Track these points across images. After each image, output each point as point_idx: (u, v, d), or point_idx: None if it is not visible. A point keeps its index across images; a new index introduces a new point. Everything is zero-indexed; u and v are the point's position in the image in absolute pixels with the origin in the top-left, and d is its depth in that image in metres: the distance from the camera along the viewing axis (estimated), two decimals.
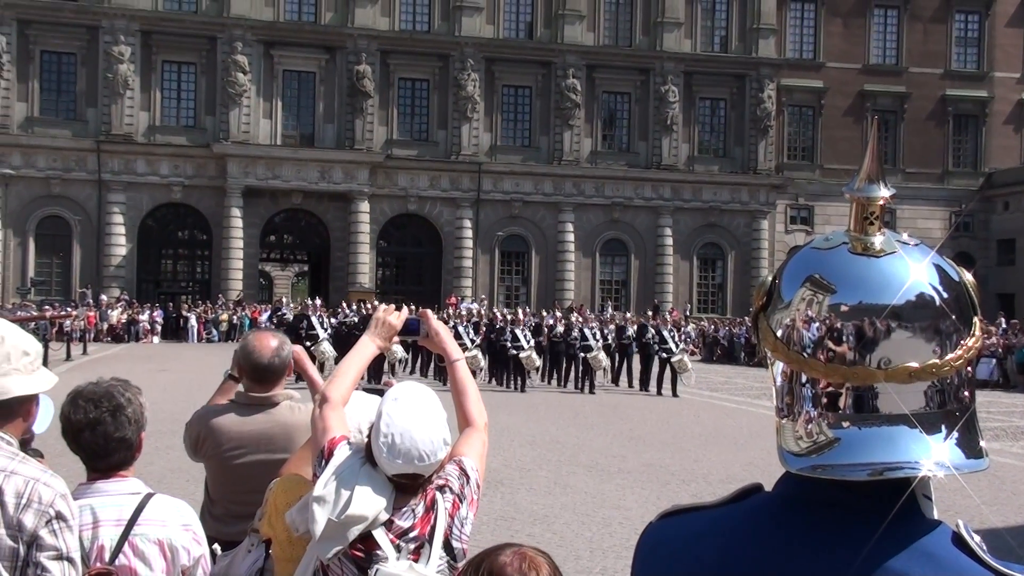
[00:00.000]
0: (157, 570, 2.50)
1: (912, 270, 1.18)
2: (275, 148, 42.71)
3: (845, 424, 1.17)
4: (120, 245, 41.52)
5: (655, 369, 23.14)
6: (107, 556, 2.46)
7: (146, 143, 41.79)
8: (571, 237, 45.36)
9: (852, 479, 1.14)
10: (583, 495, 10.18)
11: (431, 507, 2.46)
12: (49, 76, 41.70)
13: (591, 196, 45.59)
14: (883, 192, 1.24)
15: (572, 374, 23.96)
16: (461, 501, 2.52)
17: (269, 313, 39.23)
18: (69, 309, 34.28)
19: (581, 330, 23.84)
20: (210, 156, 41.87)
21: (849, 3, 47.75)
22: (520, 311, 28.08)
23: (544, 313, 29.59)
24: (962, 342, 1.17)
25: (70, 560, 2.17)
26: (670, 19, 45.77)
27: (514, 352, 23.11)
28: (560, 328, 24.40)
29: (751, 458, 12.57)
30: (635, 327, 25.20)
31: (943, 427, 1.15)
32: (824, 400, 1.18)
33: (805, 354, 1.19)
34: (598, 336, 23.87)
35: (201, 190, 42.30)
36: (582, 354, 23.25)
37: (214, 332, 39.62)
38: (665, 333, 23.07)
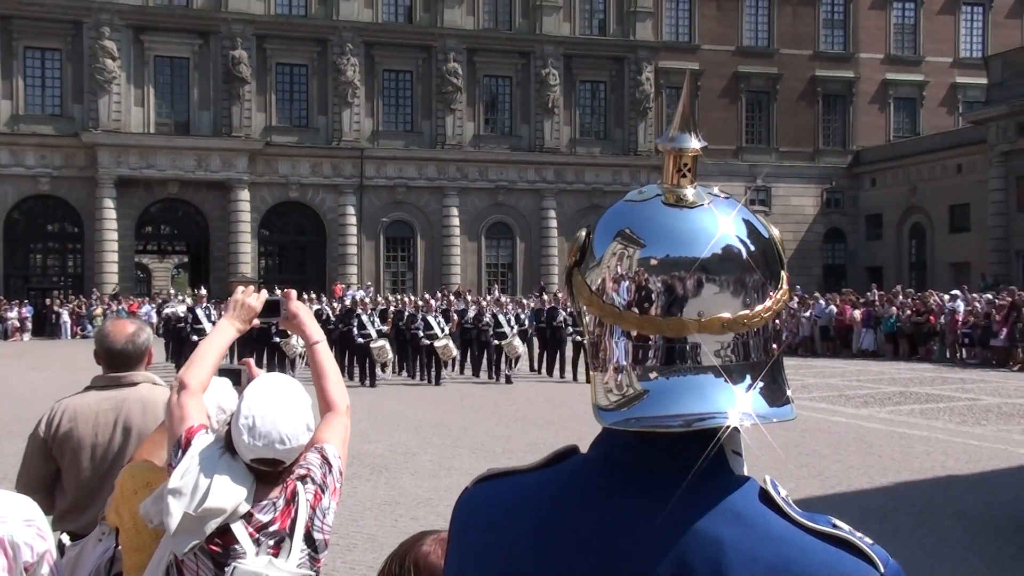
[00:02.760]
0: None
1: (720, 223, 1.18)
2: (148, 136, 41.39)
3: (653, 375, 1.16)
4: None
5: (569, 354, 22.00)
6: None
7: (9, 132, 39.97)
8: (456, 221, 45.32)
9: (663, 429, 1.13)
10: (468, 476, 10.04)
11: (292, 499, 2.38)
12: None
13: (475, 180, 45.60)
14: (695, 143, 1.22)
15: (485, 362, 22.56)
16: (323, 491, 2.45)
17: (155, 308, 38.28)
18: None
19: (495, 315, 22.58)
20: (79, 146, 40.33)
21: None
22: (431, 298, 26.21)
23: (453, 299, 28.72)
24: (770, 294, 1.18)
25: None
26: (549, 3, 46.01)
27: (427, 341, 21.46)
28: (472, 313, 23.18)
29: None
30: (546, 310, 23.68)
31: (747, 377, 1.16)
32: (634, 352, 1.17)
33: (619, 307, 1.18)
34: (512, 322, 22.54)
35: (71, 181, 40.72)
36: (495, 341, 21.98)
37: (88, 327, 38.27)
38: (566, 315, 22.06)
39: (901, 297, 29.68)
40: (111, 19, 40.62)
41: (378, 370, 21.45)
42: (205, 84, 42.31)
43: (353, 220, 44.07)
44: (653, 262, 1.16)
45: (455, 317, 23.79)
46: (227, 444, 2.38)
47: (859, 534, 1.12)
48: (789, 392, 1.20)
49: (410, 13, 45.22)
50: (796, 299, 33.54)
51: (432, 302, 24.48)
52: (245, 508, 2.32)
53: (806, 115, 49.95)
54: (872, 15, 50.71)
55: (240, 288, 2.97)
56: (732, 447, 1.17)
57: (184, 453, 2.41)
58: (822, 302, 31.25)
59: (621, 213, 1.23)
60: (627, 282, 1.17)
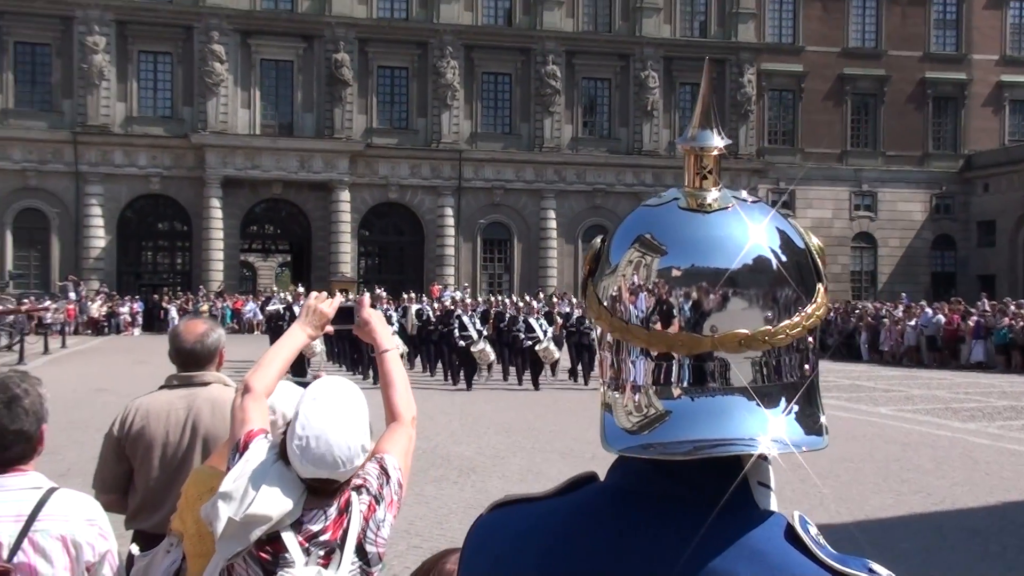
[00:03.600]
0: (59, 567, 2.40)
1: (750, 231, 1.08)
2: (254, 138, 42.42)
3: (677, 394, 1.06)
4: (99, 237, 41.21)
5: None
6: (5, 553, 2.36)
7: (123, 134, 41.43)
8: (553, 224, 45.28)
9: (678, 457, 1.04)
10: (555, 481, 10.05)
11: (344, 509, 2.32)
12: (23, 67, 41.23)
13: (572, 183, 45.49)
14: (716, 141, 1.14)
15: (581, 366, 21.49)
16: (378, 502, 2.39)
17: (261, 304, 39.25)
18: (48, 302, 34.02)
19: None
20: (188, 147, 41.56)
21: None
22: (533, 300, 25.45)
23: (556, 300, 27.98)
24: (801, 309, 1.08)
25: None
26: (649, 4, 45.61)
27: (529, 343, 20.76)
28: (576, 315, 22.08)
29: None
30: None
31: (782, 400, 1.06)
32: (654, 371, 1.08)
33: (628, 321, 1.09)
34: None
35: (180, 181, 42.00)
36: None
37: None
38: None
39: (1014, 307, 28.50)
40: (220, 23, 41.77)
41: (478, 374, 20.97)
42: (308, 86, 43.17)
43: (451, 221, 44.40)
44: (676, 272, 1.07)
45: (558, 320, 22.81)
46: (281, 452, 2.33)
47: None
48: (823, 419, 1.09)
49: (510, 16, 45.37)
50: (901, 307, 32.54)
51: (534, 304, 23.92)
52: (292, 518, 2.26)
53: (915, 118, 48.42)
54: (986, 15, 48.90)
55: (313, 294, 2.94)
56: (759, 478, 1.08)
57: (240, 456, 2.38)
58: (929, 311, 30.20)
59: (640, 218, 1.15)
60: (643, 293, 1.08)
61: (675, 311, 1.06)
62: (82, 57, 40.51)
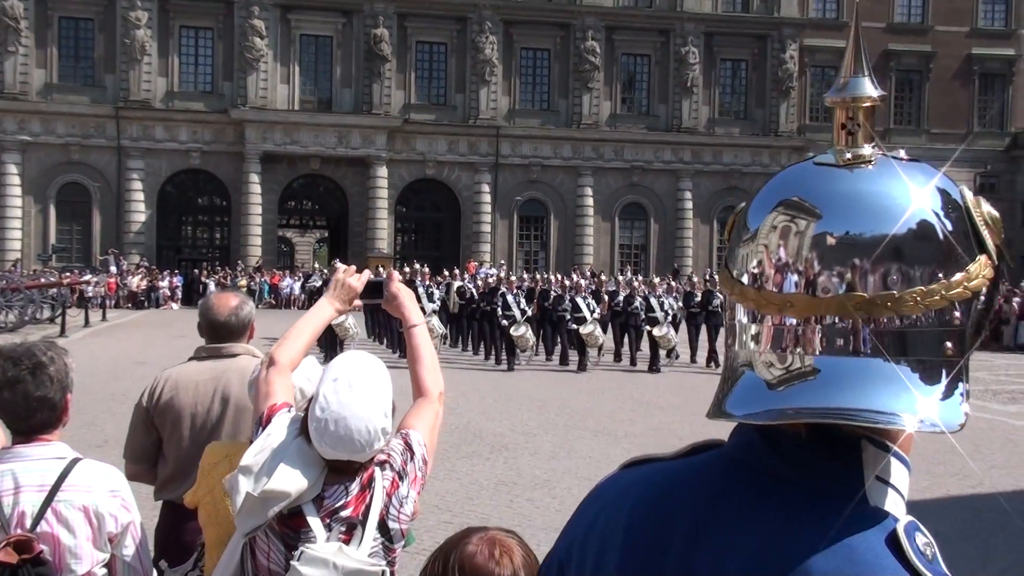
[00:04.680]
0: (81, 537, 2.42)
1: (912, 192, 0.99)
2: (293, 113, 42.58)
3: (815, 352, 0.99)
4: (140, 212, 41.67)
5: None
6: (28, 523, 2.38)
7: (164, 109, 41.78)
8: (590, 201, 45.08)
9: (819, 420, 0.97)
10: (587, 460, 10.10)
11: (367, 485, 2.30)
12: (67, 42, 41.66)
13: (610, 160, 45.23)
14: (870, 91, 1.06)
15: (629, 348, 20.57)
16: (402, 479, 2.36)
17: (302, 280, 39.55)
18: (89, 275, 34.47)
19: (646, 298, 20.39)
20: (228, 122, 41.82)
21: None
22: (579, 277, 24.32)
23: (603, 279, 26.37)
24: (940, 278, 0.98)
25: None
26: None
27: (574, 326, 19.64)
28: (623, 295, 20.84)
29: None
30: (700, 293, 21.70)
31: (932, 375, 0.98)
32: (774, 336, 1.02)
33: (743, 281, 1.04)
34: (665, 306, 20.40)
35: (219, 156, 42.30)
36: (647, 328, 19.94)
37: None
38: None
39: None
40: None
41: (517, 357, 19.85)
42: (347, 62, 43.22)
43: (488, 198, 44.36)
44: (830, 240, 0.98)
45: (605, 298, 21.58)
46: (302, 428, 2.32)
47: None
48: (965, 407, 1.02)
49: None
50: None
51: (582, 282, 22.53)
52: (313, 494, 2.25)
53: (960, 95, 47.56)
54: None
55: (342, 267, 2.92)
56: (876, 471, 1.00)
57: (262, 430, 2.37)
58: None
59: (785, 179, 1.07)
60: (790, 257, 1.00)
61: (794, 272, 1.00)
62: (125, 32, 40.82)
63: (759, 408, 1.00)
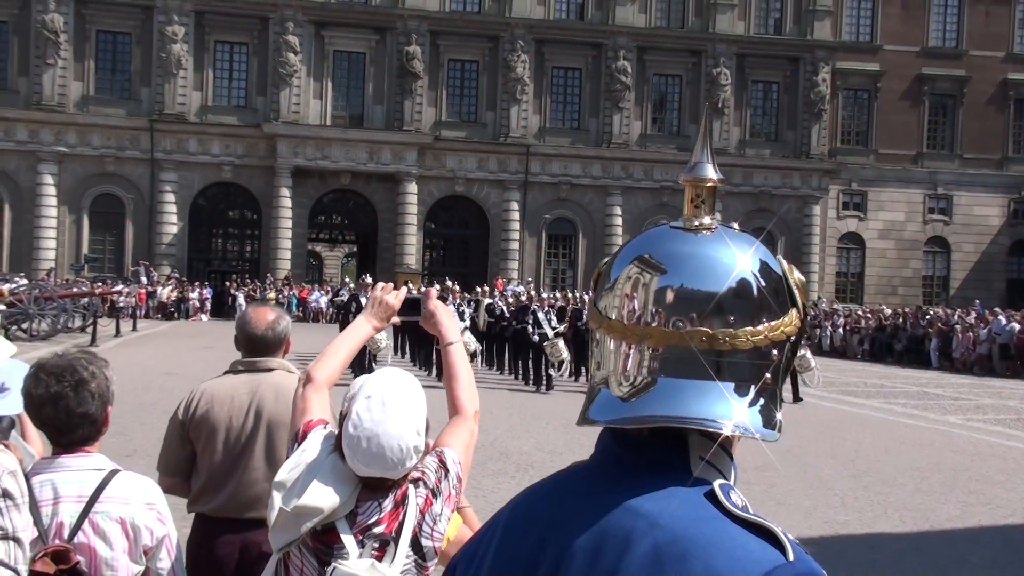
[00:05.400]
0: (118, 549, 2.44)
1: (737, 256, 1.24)
2: (324, 128, 42.90)
3: (658, 372, 1.24)
4: (171, 223, 42.07)
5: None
6: (66, 533, 2.40)
7: (198, 123, 42.22)
8: (619, 221, 45.04)
9: (643, 425, 1.22)
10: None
11: (401, 502, 2.31)
12: (104, 55, 42.23)
13: (640, 180, 45.21)
14: (711, 174, 1.31)
15: None
16: (435, 496, 2.36)
17: (331, 294, 39.59)
18: (121, 286, 34.82)
19: None
20: (260, 136, 42.19)
21: None
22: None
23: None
24: (766, 322, 1.23)
25: (16, 540, 2.11)
26: (723, 0, 45.10)
27: None
28: None
29: (788, 445, 12.36)
30: None
31: (747, 393, 1.22)
32: (636, 359, 1.25)
33: (610, 316, 1.28)
34: None
35: (251, 170, 42.67)
36: None
37: None
38: None
39: None
40: (295, 15, 42.31)
41: (553, 371, 19.34)
42: (380, 78, 43.51)
43: (516, 216, 44.44)
44: (669, 294, 1.23)
45: None
46: (337, 444, 2.33)
47: (791, 536, 1.15)
48: (779, 417, 1.26)
49: (582, 10, 45.19)
50: (973, 314, 31.76)
51: None
52: (346, 510, 2.26)
53: (995, 120, 47.15)
54: None
55: (380, 285, 2.93)
56: (700, 452, 1.22)
57: (298, 446, 2.38)
58: (1002, 318, 29.42)
59: (638, 240, 1.32)
60: (630, 300, 1.27)
61: (652, 311, 1.24)
62: (161, 46, 41.34)
63: (615, 415, 1.24)
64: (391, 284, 2.97)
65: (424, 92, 43.46)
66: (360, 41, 43.50)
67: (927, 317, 33.14)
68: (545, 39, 44.43)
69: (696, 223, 1.28)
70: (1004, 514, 9.42)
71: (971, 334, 29.56)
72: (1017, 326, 28.58)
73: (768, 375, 1.23)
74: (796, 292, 1.27)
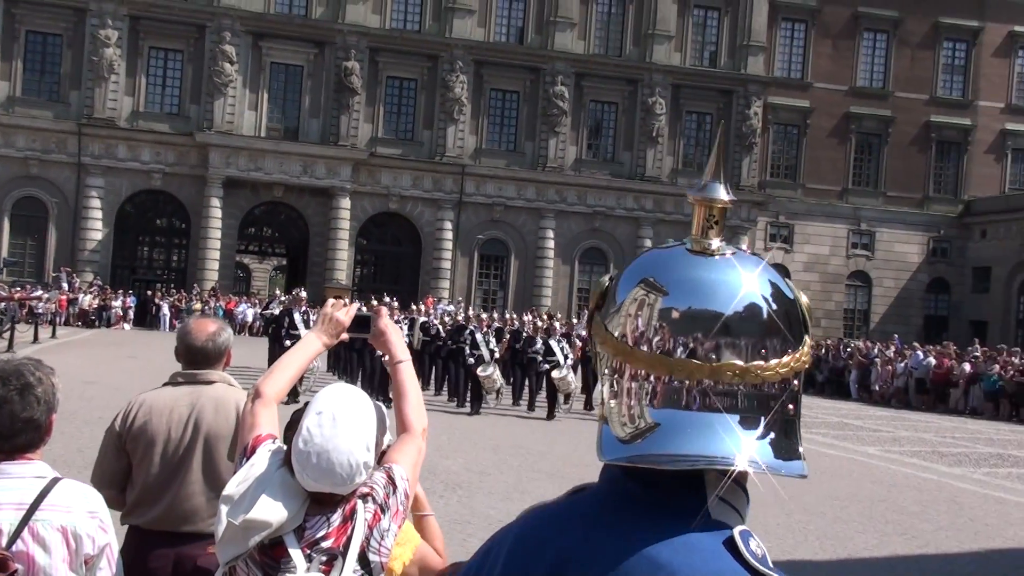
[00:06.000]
0: (57, 558, 2.40)
1: (744, 279, 1.21)
2: (258, 140, 42.47)
3: (666, 411, 1.19)
4: (96, 229, 41.17)
5: None
6: (4, 541, 2.36)
7: (128, 128, 41.45)
8: (551, 244, 45.34)
9: (662, 468, 1.16)
10: (540, 501, 10.08)
11: (349, 517, 2.32)
12: (33, 56, 41.30)
13: (573, 204, 45.58)
14: (723, 195, 1.27)
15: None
16: (384, 512, 2.38)
17: (263, 307, 38.94)
18: (40, 291, 33.95)
19: None
20: (192, 145, 41.60)
21: (839, 25, 47.99)
22: (555, 320, 23.02)
23: (575, 321, 25.13)
24: (791, 352, 1.20)
25: None
26: (661, 31, 45.85)
27: (546, 367, 18.67)
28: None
29: None
30: None
31: (760, 426, 1.17)
32: (648, 391, 1.20)
33: (632, 346, 1.21)
34: None
35: (182, 178, 42.02)
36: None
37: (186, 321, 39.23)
38: None
39: (1006, 355, 28.56)
40: (233, 24, 41.87)
41: (485, 400, 18.86)
42: (317, 92, 43.27)
43: (450, 235, 44.45)
44: (675, 315, 1.19)
45: (578, 343, 20.70)
46: (286, 459, 2.34)
47: None
48: (801, 449, 1.22)
49: (521, 35, 45.55)
50: (892, 348, 32.59)
51: (556, 324, 21.38)
52: (294, 524, 2.26)
53: (917, 161, 48.64)
54: (995, 63, 49.20)
55: (331, 301, 2.93)
56: (720, 493, 1.19)
57: (246, 460, 2.38)
58: (919, 353, 30.25)
59: (646, 260, 1.28)
60: (646, 324, 1.21)
61: (667, 340, 1.19)
62: (93, 50, 40.57)
63: (622, 454, 1.20)
64: (342, 300, 2.98)
65: (361, 108, 43.32)
66: (298, 54, 43.23)
67: (848, 349, 33.91)
68: (484, 61, 44.66)
69: (713, 246, 1.25)
70: (919, 544, 9.68)
71: (890, 367, 30.31)
72: (933, 361, 29.39)
73: (791, 406, 1.21)
74: (808, 318, 1.25)
